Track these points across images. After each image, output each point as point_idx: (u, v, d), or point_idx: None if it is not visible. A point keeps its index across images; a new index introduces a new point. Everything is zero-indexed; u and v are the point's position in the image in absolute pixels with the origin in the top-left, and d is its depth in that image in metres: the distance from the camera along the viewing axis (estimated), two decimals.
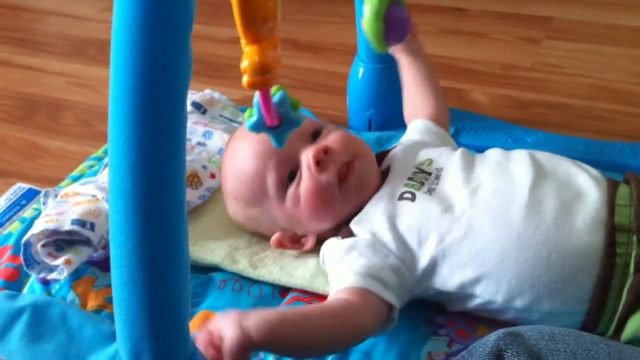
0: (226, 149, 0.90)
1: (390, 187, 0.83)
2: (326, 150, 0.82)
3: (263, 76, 0.55)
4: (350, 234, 0.82)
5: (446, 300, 0.80)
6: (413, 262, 0.78)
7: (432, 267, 0.77)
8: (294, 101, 0.61)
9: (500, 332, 0.58)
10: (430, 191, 0.81)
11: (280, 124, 0.61)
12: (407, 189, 0.82)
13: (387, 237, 0.79)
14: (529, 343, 0.56)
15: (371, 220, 0.81)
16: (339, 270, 0.78)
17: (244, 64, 0.55)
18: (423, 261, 0.78)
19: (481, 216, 0.77)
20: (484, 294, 0.76)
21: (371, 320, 0.73)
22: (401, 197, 0.81)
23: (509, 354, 0.56)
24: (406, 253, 0.78)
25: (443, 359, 0.76)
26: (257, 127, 0.61)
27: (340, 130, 0.87)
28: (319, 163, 0.82)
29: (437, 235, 0.77)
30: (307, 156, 0.82)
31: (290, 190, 0.83)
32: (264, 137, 0.63)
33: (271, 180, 0.83)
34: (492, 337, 0.58)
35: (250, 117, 0.61)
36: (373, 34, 0.89)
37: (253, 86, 0.56)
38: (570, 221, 0.75)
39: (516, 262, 0.74)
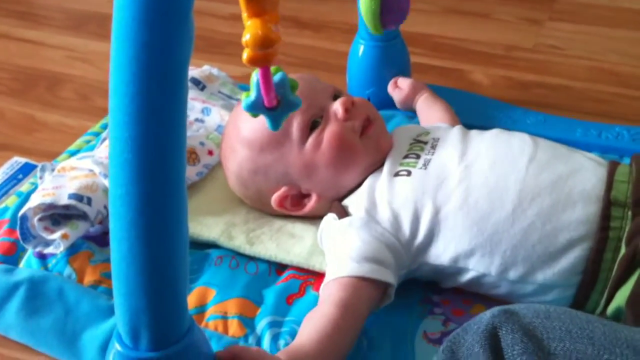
0: (236, 108, 0.90)
1: (386, 166, 0.84)
2: (353, 102, 0.86)
3: (265, 50, 0.54)
4: (345, 212, 0.82)
5: (440, 276, 0.80)
6: (408, 238, 0.78)
7: (428, 240, 0.78)
8: (292, 83, 0.61)
9: (495, 309, 0.58)
10: (425, 164, 0.82)
11: (278, 106, 0.60)
12: (403, 167, 0.83)
13: (382, 214, 0.79)
14: (524, 321, 0.57)
15: (366, 198, 0.81)
16: (336, 254, 0.79)
17: (246, 37, 0.54)
18: (419, 235, 0.78)
19: (477, 188, 0.77)
20: (477, 267, 0.76)
21: (368, 310, 0.75)
22: (397, 174, 0.82)
23: (503, 332, 0.56)
24: (401, 229, 0.78)
25: (439, 338, 0.76)
26: (255, 107, 0.60)
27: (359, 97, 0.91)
28: (347, 110, 0.84)
29: (432, 206, 0.78)
30: (335, 105, 0.85)
31: (313, 136, 0.84)
32: None
33: (297, 123, 0.84)
34: (487, 315, 0.58)
35: (248, 96, 0.60)
36: (368, 15, 0.87)
37: (254, 61, 0.55)
38: (566, 194, 0.76)
39: (510, 233, 0.75)
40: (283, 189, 0.86)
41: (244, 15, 0.55)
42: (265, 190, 0.88)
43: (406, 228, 0.78)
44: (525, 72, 1.28)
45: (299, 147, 0.84)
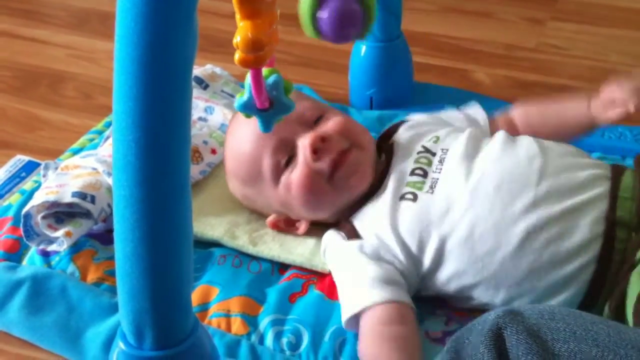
0: (230, 125, 0.90)
1: (393, 186, 0.81)
2: (324, 138, 0.81)
3: (255, 53, 0.54)
4: (355, 232, 0.81)
5: (446, 298, 0.80)
6: (416, 265, 0.78)
7: (433, 269, 0.77)
8: (287, 86, 0.60)
9: (500, 310, 0.58)
10: (432, 187, 0.79)
11: (270, 108, 0.60)
12: (409, 189, 0.80)
13: (390, 241, 0.78)
14: (529, 322, 0.57)
15: (374, 222, 0.80)
16: (351, 279, 0.78)
17: (236, 39, 0.54)
18: (425, 264, 0.77)
19: (483, 219, 0.75)
20: (481, 298, 0.76)
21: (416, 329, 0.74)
22: (403, 198, 0.80)
23: (508, 332, 0.56)
24: (409, 256, 0.77)
25: (440, 337, 0.76)
26: (246, 107, 0.60)
27: (343, 116, 0.86)
28: (315, 151, 0.81)
29: (438, 237, 0.76)
30: (303, 143, 0.82)
31: (284, 176, 0.82)
32: None
33: (267, 165, 0.83)
34: (491, 315, 0.58)
35: (241, 96, 0.60)
36: (303, 17, 0.65)
37: (244, 63, 0.55)
38: (575, 218, 0.74)
39: (516, 269, 0.74)
40: (274, 215, 0.87)
41: (237, 16, 0.55)
42: (259, 211, 0.89)
43: (412, 255, 0.77)
44: (527, 71, 1.28)
45: (272, 187, 0.83)
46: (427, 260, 0.77)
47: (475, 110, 0.95)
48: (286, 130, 0.81)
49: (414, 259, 0.77)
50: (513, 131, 0.88)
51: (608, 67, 1.28)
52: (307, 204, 0.83)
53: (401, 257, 0.77)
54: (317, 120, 0.84)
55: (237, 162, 0.86)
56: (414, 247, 0.77)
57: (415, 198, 0.79)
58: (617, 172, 0.78)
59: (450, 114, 0.95)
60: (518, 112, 0.93)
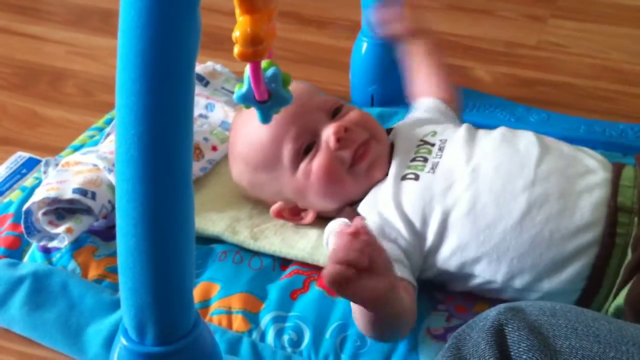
0: (240, 115, 0.90)
1: (394, 169, 0.83)
2: (347, 128, 0.83)
3: (254, 48, 0.55)
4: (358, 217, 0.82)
5: (446, 280, 0.80)
6: (420, 242, 0.78)
7: (436, 244, 0.78)
8: (285, 78, 0.61)
9: (502, 306, 0.58)
10: (433, 168, 0.81)
11: (268, 100, 0.61)
12: (410, 170, 0.82)
13: (394, 218, 0.79)
14: (530, 318, 0.57)
15: (377, 202, 0.81)
16: None
17: (236, 34, 0.55)
18: (428, 240, 0.78)
19: (485, 193, 0.77)
20: (483, 274, 0.76)
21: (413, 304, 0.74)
22: (405, 178, 0.81)
23: (509, 329, 0.56)
24: (413, 233, 0.78)
25: (442, 334, 0.77)
26: (245, 99, 0.61)
27: (359, 110, 0.88)
28: (339, 140, 0.82)
29: (441, 211, 0.77)
30: (328, 132, 0.83)
31: (304, 163, 0.83)
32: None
33: (287, 151, 0.83)
34: (492, 312, 0.58)
35: (240, 88, 0.61)
36: None
37: (243, 57, 0.56)
38: (574, 200, 0.75)
39: (518, 241, 0.74)
40: (280, 203, 0.87)
41: (237, 11, 0.55)
42: (264, 199, 0.89)
43: (416, 231, 0.78)
44: (528, 69, 1.28)
45: (290, 173, 0.84)
46: (430, 235, 0.77)
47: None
48: (308, 117, 0.83)
49: (418, 234, 0.78)
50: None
51: (608, 64, 1.28)
52: (324, 191, 0.83)
53: (405, 233, 0.78)
54: (335, 114, 0.86)
55: (253, 147, 0.85)
56: (417, 223, 0.78)
57: (417, 177, 0.80)
58: (617, 167, 0.80)
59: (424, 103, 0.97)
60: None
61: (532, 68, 1.28)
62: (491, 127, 0.88)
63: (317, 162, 0.82)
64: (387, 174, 0.83)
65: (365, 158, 0.83)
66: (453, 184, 0.78)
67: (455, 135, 0.84)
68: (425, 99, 0.98)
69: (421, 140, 0.86)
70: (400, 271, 0.74)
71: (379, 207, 0.80)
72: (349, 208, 0.84)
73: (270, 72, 0.59)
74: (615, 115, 1.13)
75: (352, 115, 0.85)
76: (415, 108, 0.98)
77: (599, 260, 0.74)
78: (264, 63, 0.59)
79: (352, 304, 0.73)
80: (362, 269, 0.63)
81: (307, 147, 0.83)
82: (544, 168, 0.77)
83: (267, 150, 0.84)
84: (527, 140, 0.82)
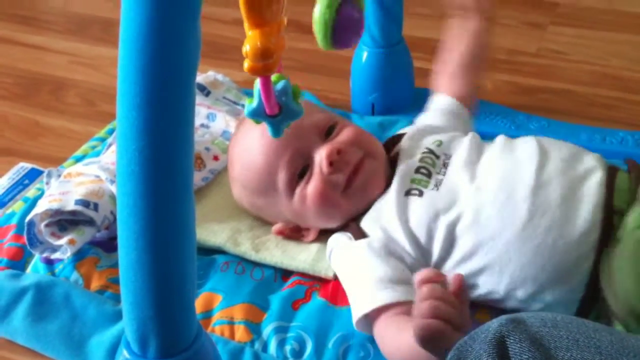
0: (236, 133, 0.90)
1: (398, 183, 0.82)
2: (339, 151, 0.82)
3: (264, 62, 0.55)
4: (361, 232, 0.82)
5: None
6: (425, 257, 0.78)
7: (442, 258, 0.78)
8: (295, 91, 0.61)
9: (503, 318, 0.58)
10: (437, 185, 0.81)
11: (279, 114, 0.60)
12: (414, 185, 0.81)
13: (399, 235, 0.79)
14: (532, 330, 0.57)
15: (381, 217, 0.81)
16: (360, 279, 0.78)
17: (246, 48, 0.55)
18: (434, 254, 0.78)
19: (488, 206, 0.76)
20: (485, 285, 0.76)
21: None
22: (409, 193, 0.81)
23: (511, 340, 0.56)
24: (418, 248, 0.78)
25: None
26: (256, 114, 0.61)
27: (354, 126, 0.87)
28: (332, 164, 0.81)
29: (445, 224, 0.77)
30: (320, 155, 0.82)
31: (299, 188, 0.83)
32: None
33: (282, 177, 0.83)
34: (494, 324, 0.58)
35: (250, 103, 0.60)
36: (320, 32, 0.77)
37: (254, 71, 0.56)
38: (575, 206, 0.75)
39: (520, 252, 0.74)
40: (281, 224, 0.87)
41: (245, 25, 0.55)
42: (265, 218, 0.89)
43: (422, 247, 0.78)
44: (528, 77, 1.28)
45: (287, 199, 0.84)
46: (436, 250, 0.78)
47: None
48: (300, 141, 0.82)
49: (423, 250, 0.78)
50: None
51: (608, 71, 1.28)
52: (321, 215, 0.83)
53: (410, 250, 0.78)
54: (329, 130, 0.85)
55: (249, 172, 0.85)
56: (423, 239, 0.78)
57: (421, 194, 0.80)
58: (612, 169, 0.80)
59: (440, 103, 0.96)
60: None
61: (533, 75, 1.28)
62: (492, 134, 0.88)
63: (310, 188, 0.82)
64: (388, 185, 0.83)
65: (358, 179, 0.82)
66: (457, 201, 0.78)
67: (460, 150, 0.84)
68: (442, 96, 0.97)
69: (427, 148, 0.85)
70: (410, 294, 0.74)
71: (382, 222, 0.80)
72: (353, 223, 0.84)
73: (280, 85, 0.59)
74: (615, 122, 1.13)
75: (345, 135, 0.84)
76: (429, 108, 0.97)
77: (595, 265, 0.73)
78: (273, 77, 0.59)
79: (376, 333, 0.74)
80: (456, 327, 0.64)
81: (301, 171, 0.83)
82: (545, 174, 0.77)
83: (262, 177, 0.84)
84: (526, 146, 0.81)
